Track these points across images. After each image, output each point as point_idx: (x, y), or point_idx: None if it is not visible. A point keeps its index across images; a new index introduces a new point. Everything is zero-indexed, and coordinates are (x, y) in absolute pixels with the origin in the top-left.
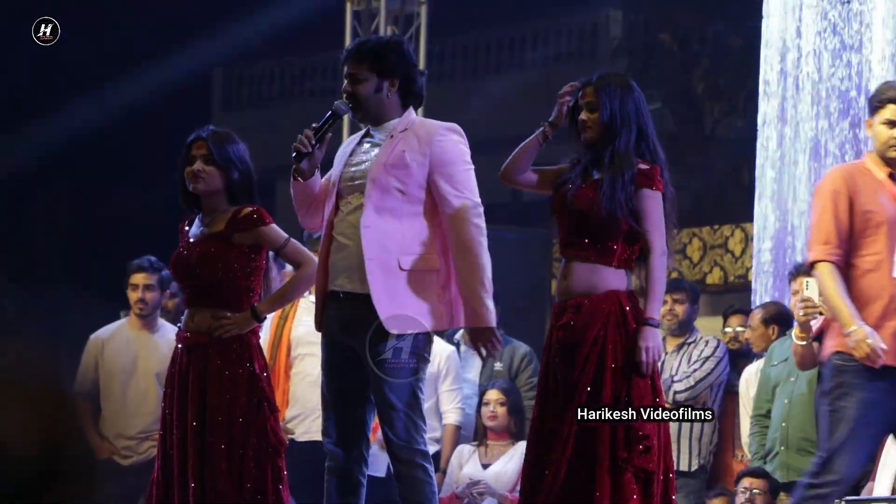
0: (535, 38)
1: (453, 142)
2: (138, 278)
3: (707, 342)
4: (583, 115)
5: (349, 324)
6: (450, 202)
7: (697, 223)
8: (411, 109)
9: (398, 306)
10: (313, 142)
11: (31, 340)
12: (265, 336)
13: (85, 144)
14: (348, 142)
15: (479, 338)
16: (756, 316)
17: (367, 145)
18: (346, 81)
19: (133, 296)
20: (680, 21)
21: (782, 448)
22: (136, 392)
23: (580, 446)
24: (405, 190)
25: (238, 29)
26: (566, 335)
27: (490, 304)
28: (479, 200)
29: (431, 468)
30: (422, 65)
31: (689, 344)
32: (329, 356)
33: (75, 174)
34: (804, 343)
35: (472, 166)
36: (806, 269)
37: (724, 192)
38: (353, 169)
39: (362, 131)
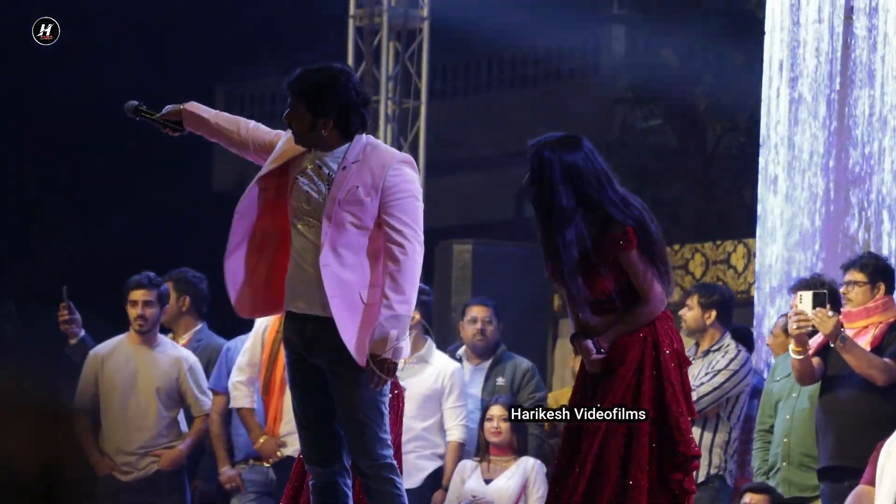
0: (536, 55)
1: (405, 175)
2: (137, 294)
3: (725, 353)
4: None
5: (313, 343)
6: (390, 234)
7: (700, 239)
8: (360, 136)
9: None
10: (135, 117)
11: (31, 357)
12: (260, 353)
13: (87, 162)
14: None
15: (380, 365)
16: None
17: (313, 166)
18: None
19: (132, 312)
20: (682, 38)
21: (784, 464)
22: (136, 408)
23: (599, 464)
24: (360, 224)
25: (240, 46)
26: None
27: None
28: (422, 237)
29: (400, 480)
30: (423, 80)
31: (714, 351)
32: (296, 374)
33: (77, 193)
34: (801, 357)
35: (421, 201)
36: (805, 284)
37: (726, 208)
38: (305, 190)
39: None
